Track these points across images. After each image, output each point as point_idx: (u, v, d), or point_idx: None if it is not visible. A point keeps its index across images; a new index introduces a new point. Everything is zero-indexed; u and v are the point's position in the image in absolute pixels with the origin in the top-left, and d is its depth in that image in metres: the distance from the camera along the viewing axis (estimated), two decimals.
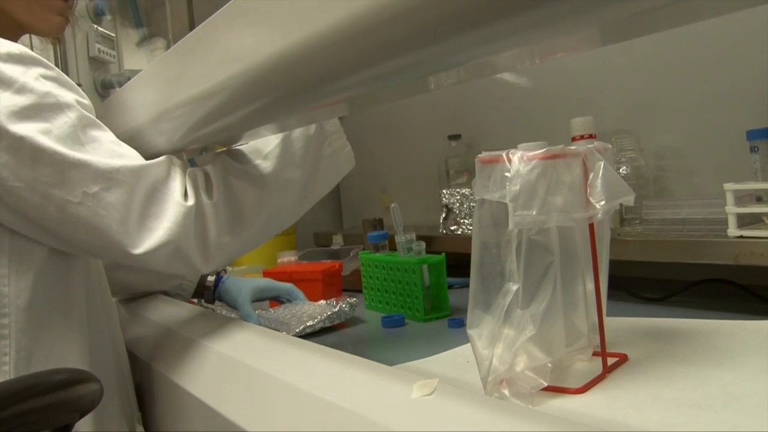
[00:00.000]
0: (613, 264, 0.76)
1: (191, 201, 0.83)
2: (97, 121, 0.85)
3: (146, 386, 1.00)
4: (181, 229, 0.81)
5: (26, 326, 0.81)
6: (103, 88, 1.87)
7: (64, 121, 0.80)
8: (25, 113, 0.77)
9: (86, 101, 0.86)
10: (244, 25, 0.58)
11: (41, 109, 0.78)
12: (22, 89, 0.78)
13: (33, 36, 1.13)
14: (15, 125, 0.76)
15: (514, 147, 0.67)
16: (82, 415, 0.64)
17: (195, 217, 0.83)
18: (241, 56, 0.58)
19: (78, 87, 0.87)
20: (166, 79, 0.81)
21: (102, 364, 0.90)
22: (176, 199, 0.83)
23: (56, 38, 1.22)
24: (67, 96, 0.82)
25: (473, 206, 1.41)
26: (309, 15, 0.47)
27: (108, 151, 0.82)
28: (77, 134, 0.80)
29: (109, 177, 0.78)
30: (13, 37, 0.96)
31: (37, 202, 0.77)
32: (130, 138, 1.07)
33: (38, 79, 0.80)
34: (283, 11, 0.51)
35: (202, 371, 0.79)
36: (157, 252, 0.79)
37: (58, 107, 0.80)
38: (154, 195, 0.81)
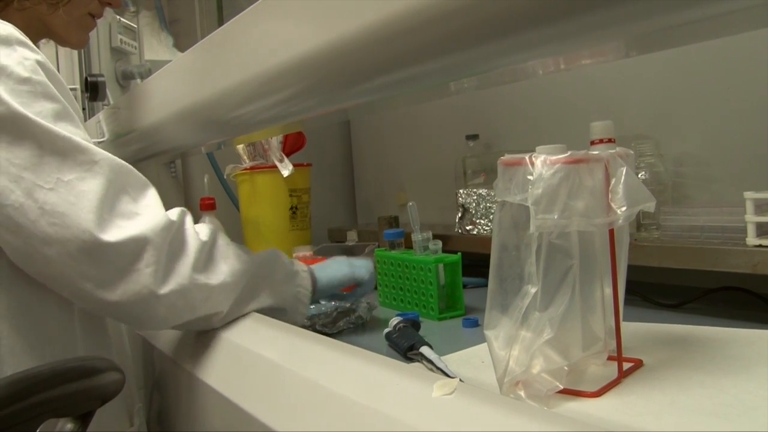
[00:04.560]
0: (629, 269, 0.76)
1: (174, 216, 0.81)
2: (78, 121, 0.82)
3: (166, 378, 1.00)
4: (158, 234, 0.78)
5: (6, 314, 0.79)
6: (124, 79, 1.90)
7: (46, 107, 0.78)
8: (11, 92, 0.75)
9: (71, 102, 0.83)
10: (276, 21, 0.59)
11: (25, 93, 0.77)
12: (3, 71, 0.76)
13: None
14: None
15: (533, 149, 0.67)
16: (103, 402, 0.65)
17: (174, 234, 0.80)
18: (271, 53, 0.59)
19: (63, 82, 0.84)
20: (194, 73, 0.82)
21: (98, 353, 0.88)
22: (156, 206, 0.81)
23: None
24: (51, 88, 0.80)
25: (490, 207, 1.42)
26: (344, 14, 0.48)
27: (86, 145, 0.79)
28: (59, 123, 0.78)
29: (87, 168, 0.76)
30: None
31: (2, 186, 0.74)
32: (153, 130, 1.09)
33: (22, 63, 0.78)
34: (317, 9, 0.51)
35: (222, 365, 0.80)
36: (126, 246, 0.75)
37: (43, 94, 0.78)
38: (132, 192, 0.80)
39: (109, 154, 0.80)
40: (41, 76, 0.79)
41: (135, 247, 0.76)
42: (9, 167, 0.74)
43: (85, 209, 0.74)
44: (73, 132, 0.78)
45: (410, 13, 0.42)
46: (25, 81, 0.77)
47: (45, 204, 0.74)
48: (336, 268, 1.09)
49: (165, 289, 0.78)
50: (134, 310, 0.78)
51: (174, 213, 0.83)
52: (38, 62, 0.80)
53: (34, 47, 0.82)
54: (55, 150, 0.76)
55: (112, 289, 0.76)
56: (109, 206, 0.76)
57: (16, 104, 0.75)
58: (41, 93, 0.78)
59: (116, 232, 0.75)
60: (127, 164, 0.81)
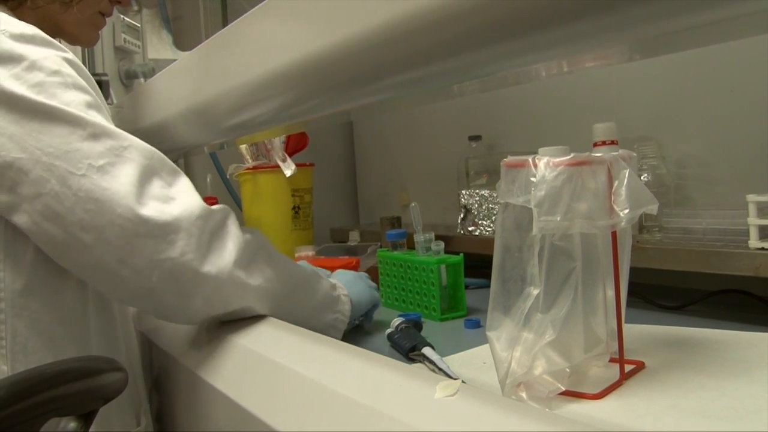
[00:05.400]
0: (631, 271, 0.76)
1: (216, 208, 0.81)
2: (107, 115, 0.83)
3: (166, 378, 1.01)
4: (193, 223, 0.77)
5: (22, 312, 0.79)
6: (127, 78, 1.89)
7: (77, 96, 0.79)
8: (40, 86, 0.77)
9: (99, 97, 0.84)
10: (281, 22, 0.59)
11: (56, 84, 0.78)
12: (33, 66, 0.77)
13: None
14: (29, 94, 0.75)
15: (535, 150, 0.67)
16: (106, 402, 0.65)
17: (215, 225, 0.80)
18: (277, 53, 0.59)
19: (91, 78, 0.85)
20: (198, 73, 0.82)
21: (107, 353, 0.88)
22: (190, 192, 0.81)
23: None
24: (81, 81, 0.81)
25: (492, 208, 1.42)
26: (351, 16, 0.48)
27: (117, 130, 0.80)
28: (89, 111, 0.78)
29: (118, 153, 0.77)
30: None
31: (37, 176, 0.74)
32: (156, 130, 1.09)
33: (50, 58, 0.79)
34: (323, 11, 0.52)
35: (225, 365, 0.80)
36: (162, 229, 0.75)
37: (74, 85, 0.79)
38: (165, 177, 0.80)
39: (139, 140, 0.80)
40: (70, 70, 0.80)
41: (171, 232, 0.76)
42: (42, 156, 0.74)
43: (119, 194, 0.74)
44: (106, 122, 0.79)
45: (415, 17, 0.42)
46: (55, 73, 0.78)
47: (79, 191, 0.74)
48: (361, 290, 1.06)
49: (203, 274, 0.78)
50: (169, 300, 0.78)
51: (216, 207, 0.83)
52: (65, 59, 0.81)
53: (61, 45, 0.83)
54: (83, 136, 0.76)
55: (148, 276, 0.76)
56: (142, 190, 0.76)
57: (35, 95, 0.76)
58: (71, 84, 0.79)
59: (153, 213, 0.75)
60: (157, 150, 0.82)
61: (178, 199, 0.79)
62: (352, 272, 1.13)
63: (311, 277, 0.96)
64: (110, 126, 0.79)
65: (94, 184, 0.74)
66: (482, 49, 0.42)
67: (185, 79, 0.88)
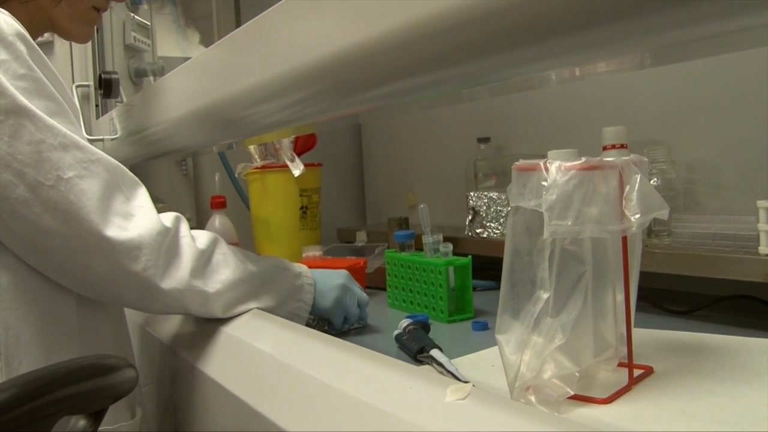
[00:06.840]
0: (640, 275, 0.76)
1: (169, 223, 0.85)
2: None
3: (171, 376, 1.01)
4: (154, 239, 0.81)
5: (12, 305, 0.80)
6: (137, 76, 1.90)
7: (43, 104, 0.79)
8: (17, 86, 0.77)
9: (62, 94, 0.84)
10: (298, 21, 0.59)
11: (23, 89, 0.78)
12: (2, 64, 0.77)
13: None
14: (13, 90, 0.76)
15: (544, 152, 0.67)
16: (116, 400, 0.65)
17: (170, 241, 0.83)
18: (293, 53, 0.59)
19: (56, 74, 0.85)
20: (209, 74, 0.82)
21: (100, 345, 0.89)
22: (148, 207, 0.84)
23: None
24: (48, 86, 0.81)
25: (500, 210, 1.42)
26: (369, 17, 0.48)
27: (84, 143, 0.81)
28: (55, 118, 0.79)
29: (85, 166, 0.79)
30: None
31: (6, 179, 0.76)
32: (167, 129, 1.09)
33: (23, 57, 0.79)
34: (339, 11, 0.52)
35: (234, 365, 0.80)
36: (125, 246, 0.79)
37: (38, 91, 0.79)
38: (125, 191, 0.83)
39: (104, 153, 0.83)
40: (37, 73, 0.80)
41: (133, 249, 0.79)
42: (12, 162, 0.76)
43: (85, 208, 0.77)
44: (69, 129, 0.80)
45: (433, 20, 0.43)
46: (22, 77, 0.78)
47: (47, 201, 0.77)
48: (327, 278, 1.07)
49: (163, 289, 0.82)
50: (132, 302, 0.85)
51: (168, 219, 0.86)
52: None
53: (38, 50, 0.82)
54: (53, 146, 0.78)
55: (112, 282, 0.81)
56: (105, 207, 0.79)
57: (21, 97, 0.76)
58: (35, 90, 0.79)
59: (116, 231, 0.79)
60: (119, 164, 0.84)
61: (138, 215, 0.82)
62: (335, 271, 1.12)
63: (272, 273, 0.98)
64: (77, 137, 0.80)
65: (62, 196, 0.77)
66: (500, 53, 0.42)
67: (198, 77, 0.89)
